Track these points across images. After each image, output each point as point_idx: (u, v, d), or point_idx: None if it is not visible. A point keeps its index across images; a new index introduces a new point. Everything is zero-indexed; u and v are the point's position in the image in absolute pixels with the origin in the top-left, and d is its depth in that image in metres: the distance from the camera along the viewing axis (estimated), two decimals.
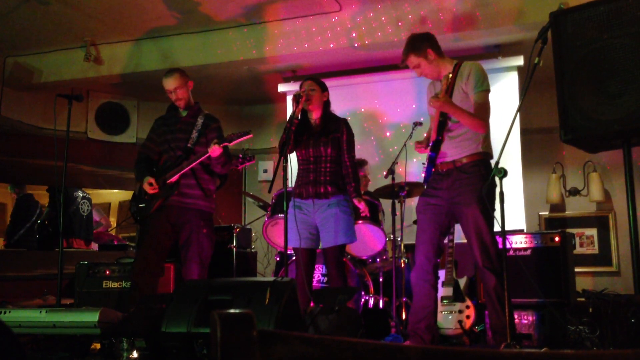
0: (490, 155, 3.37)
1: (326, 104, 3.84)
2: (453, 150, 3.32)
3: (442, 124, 3.33)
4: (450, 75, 3.31)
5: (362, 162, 5.10)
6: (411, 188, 4.70)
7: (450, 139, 3.33)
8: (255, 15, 5.45)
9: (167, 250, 3.97)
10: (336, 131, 3.77)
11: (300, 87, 3.81)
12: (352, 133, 3.85)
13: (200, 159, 3.86)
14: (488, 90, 3.32)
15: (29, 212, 6.84)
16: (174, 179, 3.89)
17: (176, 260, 4.38)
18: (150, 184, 3.90)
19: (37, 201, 7.04)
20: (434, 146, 3.34)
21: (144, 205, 4.01)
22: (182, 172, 3.88)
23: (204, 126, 4.03)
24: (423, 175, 3.45)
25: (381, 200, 4.77)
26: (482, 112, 3.26)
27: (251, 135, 3.89)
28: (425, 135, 3.63)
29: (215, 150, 3.75)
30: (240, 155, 4.64)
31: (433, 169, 3.38)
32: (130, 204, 4.19)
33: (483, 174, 3.23)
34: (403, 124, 5.87)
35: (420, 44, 3.39)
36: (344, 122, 3.83)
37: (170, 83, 3.99)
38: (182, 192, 3.91)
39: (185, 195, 3.92)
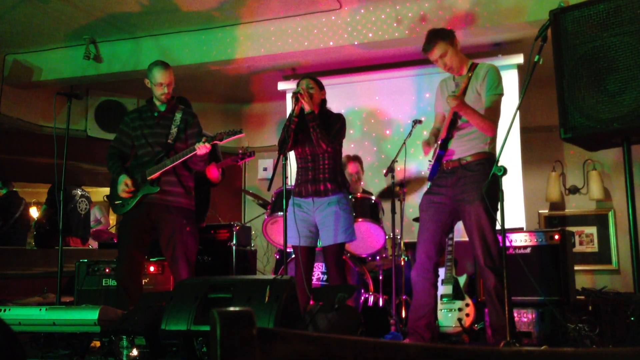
0: (495, 156, 3.37)
1: (323, 103, 3.85)
2: (460, 149, 3.34)
3: (453, 122, 3.34)
4: (470, 75, 3.31)
5: (356, 158, 5.09)
6: (411, 186, 4.70)
7: (459, 137, 3.34)
8: (255, 13, 5.45)
9: (147, 246, 3.92)
10: (334, 126, 3.76)
11: (298, 85, 3.80)
12: (345, 126, 3.83)
13: (187, 157, 3.77)
14: (502, 94, 3.33)
15: (11, 209, 6.83)
16: (155, 175, 3.81)
17: None
18: (127, 185, 3.80)
19: (22, 198, 7.03)
20: (443, 144, 3.34)
21: (120, 202, 3.92)
22: (165, 169, 3.79)
23: (183, 122, 3.95)
24: (429, 171, 3.45)
25: (381, 198, 4.77)
26: (492, 115, 3.28)
27: (243, 135, 3.78)
28: (425, 134, 3.62)
29: (202, 148, 3.67)
30: (240, 151, 4.63)
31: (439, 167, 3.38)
32: (108, 200, 4.13)
33: (488, 172, 3.22)
34: (403, 122, 5.87)
35: (447, 32, 3.42)
36: (339, 116, 3.82)
37: (166, 77, 3.92)
38: (163, 190, 3.82)
39: (166, 193, 3.84)
